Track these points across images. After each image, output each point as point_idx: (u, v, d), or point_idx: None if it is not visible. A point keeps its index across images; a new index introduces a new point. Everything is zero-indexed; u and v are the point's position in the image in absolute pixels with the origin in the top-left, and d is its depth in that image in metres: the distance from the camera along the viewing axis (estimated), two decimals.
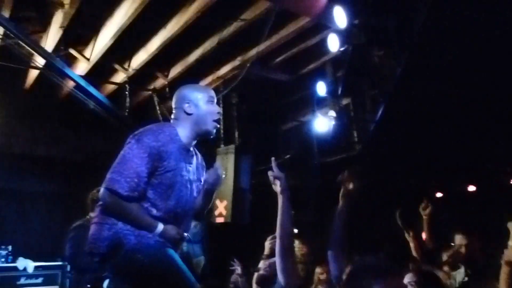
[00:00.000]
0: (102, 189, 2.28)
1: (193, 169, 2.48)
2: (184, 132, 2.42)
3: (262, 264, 3.35)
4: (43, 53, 5.02)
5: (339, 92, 5.58)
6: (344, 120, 5.81)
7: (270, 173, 2.40)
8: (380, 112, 5.24)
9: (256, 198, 6.50)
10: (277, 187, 2.40)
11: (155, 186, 2.30)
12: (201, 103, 2.45)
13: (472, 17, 4.02)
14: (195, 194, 2.50)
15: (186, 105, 2.44)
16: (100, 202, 2.35)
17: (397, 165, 6.28)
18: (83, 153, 6.90)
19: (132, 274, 2.29)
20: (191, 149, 2.49)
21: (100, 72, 6.08)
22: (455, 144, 5.45)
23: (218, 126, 2.50)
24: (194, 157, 2.52)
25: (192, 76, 5.85)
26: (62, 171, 6.84)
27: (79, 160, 6.85)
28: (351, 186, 2.50)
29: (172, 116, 2.50)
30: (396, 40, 4.57)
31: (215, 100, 2.52)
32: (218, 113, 2.49)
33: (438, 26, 4.22)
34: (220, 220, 7.01)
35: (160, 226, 2.28)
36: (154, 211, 2.31)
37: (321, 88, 5.62)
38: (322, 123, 5.84)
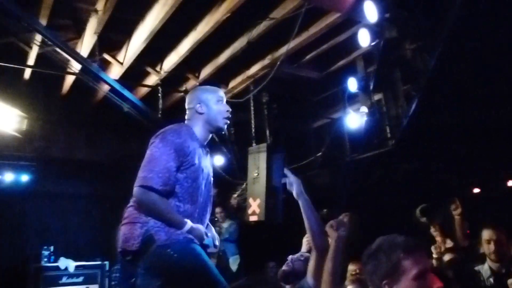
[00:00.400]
0: (135, 188, 2.41)
1: (208, 164, 2.68)
2: (198, 130, 2.63)
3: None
4: (79, 59, 5.16)
5: (371, 87, 5.50)
6: (376, 116, 5.70)
7: (285, 180, 2.64)
8: (413, 106, 5.14)
9: (290, 196, 6.49)
10: (293, 192, 2.61)
11: (182, 181, 2.46)
12: (211, 103, 2.67)
13: (508, 7, 3.89)
14: (211, 188, 2.68)
15: (198, 105, 2.66)
16: (130, 204, 2.49)
17: (432, 160, 6.15)
18: (119, 155, 7.05)
19: (163, 268, 2.39)
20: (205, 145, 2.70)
21: (133, 75, 6.22)
22: (493, 138, 5.29)
23: (228, 122, 2.70)
24: (208, 154, 2.71)
25: (222, 76, 5.90)
26: (99, 173, 7.02)
27: (115, 162, 7.01)
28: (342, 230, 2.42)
29: (186, 117, 2.70)
30: (429, 32, 4.48)
31: (224, 100, 2.74)
32: (227, 111, 2.70)
33: (472, 17, 4.11)
34: (253, 218, 7.01)
35: (189, 224, 2.42)
36: (182, 206, 2.47)
37: (352, 84, 5.56)
38: (354, 120, 5.78)
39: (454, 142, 5.49)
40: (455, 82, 4.66)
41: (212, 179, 2.71)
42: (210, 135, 2.70)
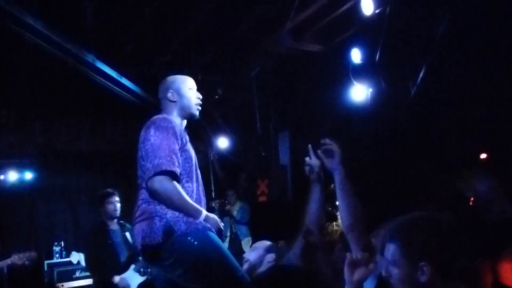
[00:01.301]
0: (149, 181, 2.42)
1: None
2: (174, 117, 2.71)
3: None
4: (74, 49, 5.02)
5: (376, 57, 5.38)
6: (382, 87, 5.61)
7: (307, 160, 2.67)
8: (420, 75, 5.04)
9: (298, 174, 6.44)
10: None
11: (183, 162, 2.56)
12: (182, 91, 2.76)
13: None
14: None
15: (170, 94, 2.75)
16: (141, 202, 2.50)
17: (439, 129, 6.07)
18: (123, 145, 6.92)
19: (184, 257, 2.42)
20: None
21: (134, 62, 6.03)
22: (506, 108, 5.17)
23: (200, 109, 2.79)
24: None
25: (227, 58, 5.75)
26: (104, 164, 6.94)
27: (120, 151, 6.88)
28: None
29: (161, 107, 2.79)
30: None
31: (195, 88, 2.82)
32: (198, 98, 2.79)
33: None
34: (262, 199, 7.01)
35: (204, 213, 2.48)
36: (191, 186, 2.55)
37: (356, 55, 5.43)
38: (360, 92, 5.66)
39: (463, 110, 5.39)
40: (465, 48, 4.55)
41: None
42: (185, 122, 2.78)
